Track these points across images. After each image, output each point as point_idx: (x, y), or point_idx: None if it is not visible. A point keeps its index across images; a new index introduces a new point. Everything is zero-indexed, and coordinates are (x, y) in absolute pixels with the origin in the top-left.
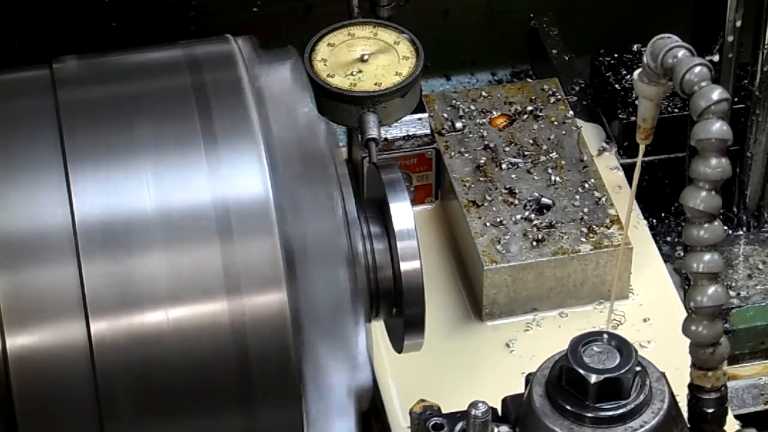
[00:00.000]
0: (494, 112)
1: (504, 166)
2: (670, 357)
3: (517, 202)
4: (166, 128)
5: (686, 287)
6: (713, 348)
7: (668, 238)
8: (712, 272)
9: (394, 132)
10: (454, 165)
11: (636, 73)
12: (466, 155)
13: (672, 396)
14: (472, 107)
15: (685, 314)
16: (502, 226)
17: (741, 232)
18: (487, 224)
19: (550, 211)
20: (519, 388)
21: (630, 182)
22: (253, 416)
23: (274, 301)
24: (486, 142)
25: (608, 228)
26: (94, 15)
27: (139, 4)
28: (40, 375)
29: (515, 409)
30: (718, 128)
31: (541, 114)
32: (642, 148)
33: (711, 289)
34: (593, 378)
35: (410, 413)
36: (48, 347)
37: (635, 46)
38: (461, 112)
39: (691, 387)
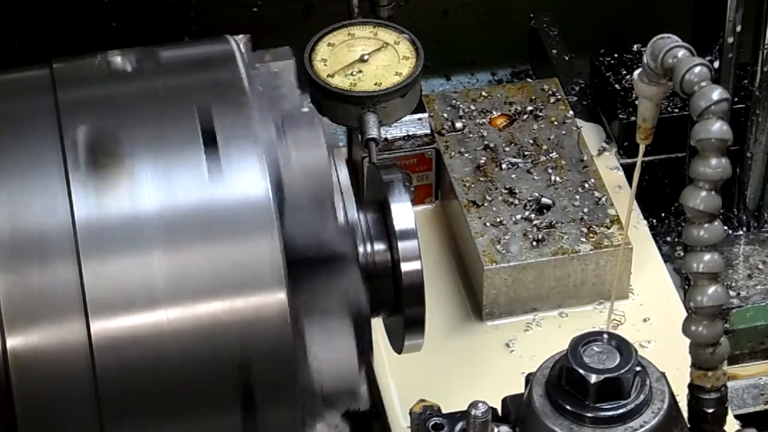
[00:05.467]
0: (494, 112)
1: (504, 166)
2: (670, 357)
3: (517, 202)
4: (166, 128)
5: (686, 287)
6: (713, 348)
7: (668, 238)
8: (712, 272)
9: (394, 132)
10: (454, 165)
11: (636, 73)
12: (466, 155)
13: (672, 396)
14: (472, 107)
15: (685, 314)
16: (502, 226)
17: (741, 232)
18: (487, 224)
19: (550, 211)
20: (519, 388)
21: (630, 182)
22: (253, 416)
23: (274, 301)
24: (486, 142)
25: (608, 228)
26: (94, 15)
27: (139, 4)
28: (40, 375)
29: (515, 409)
30: (718, 128)
31: (541, 114)
32: (642, 148)
33: (711, 289)
34: (593, 378)
35: (410, 413)
36: (48, 347)
37: (635, 46)
38: (461, 112)
39: (691, 387)
